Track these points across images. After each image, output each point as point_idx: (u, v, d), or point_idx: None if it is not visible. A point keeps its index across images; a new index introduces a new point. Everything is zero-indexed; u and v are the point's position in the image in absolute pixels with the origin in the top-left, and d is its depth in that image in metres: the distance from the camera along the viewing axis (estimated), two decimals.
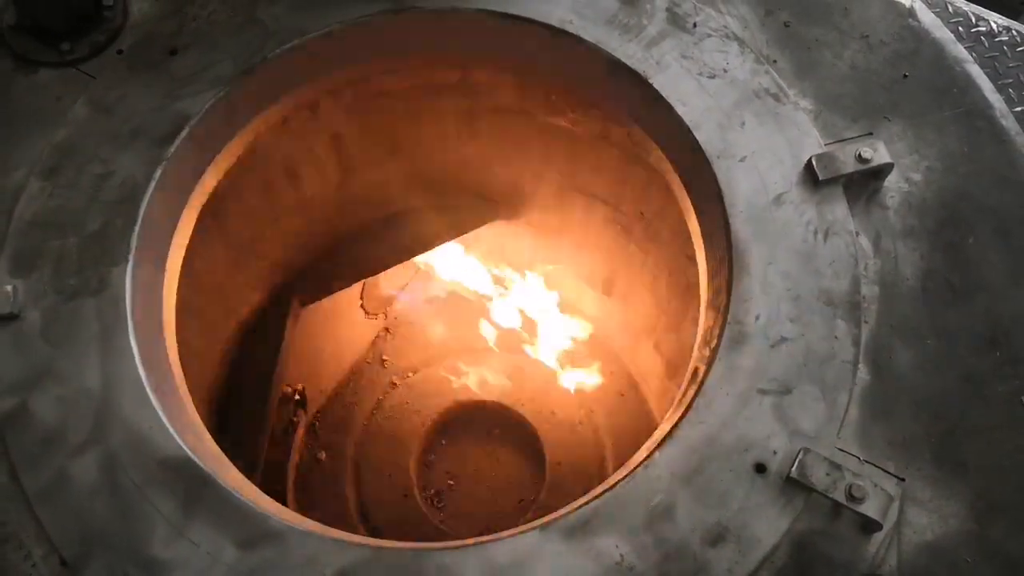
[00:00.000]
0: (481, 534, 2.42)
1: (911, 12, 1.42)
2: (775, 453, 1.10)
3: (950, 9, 1.72)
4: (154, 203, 1.29)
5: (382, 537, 2.36)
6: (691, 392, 1.17)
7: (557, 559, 1.05)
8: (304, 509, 2.41)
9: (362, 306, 2.46)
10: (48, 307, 1.20)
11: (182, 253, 1.37)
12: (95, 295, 1.21)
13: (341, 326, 2.44)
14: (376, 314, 2.54)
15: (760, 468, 1.10)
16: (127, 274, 1.22)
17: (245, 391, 2.08)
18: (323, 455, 2.48)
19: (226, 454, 1.95)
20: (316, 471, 2.48)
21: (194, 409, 1.25)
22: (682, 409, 1.16)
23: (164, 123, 1.33)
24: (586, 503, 1.10)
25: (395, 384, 2.57)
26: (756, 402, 1.13)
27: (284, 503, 2.34)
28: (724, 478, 1.09)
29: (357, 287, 2.36)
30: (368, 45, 1.49)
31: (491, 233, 2.30)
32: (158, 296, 1.29)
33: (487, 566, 1.04)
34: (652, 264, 2.03)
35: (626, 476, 1.11)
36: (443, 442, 2.56)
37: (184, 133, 1.32)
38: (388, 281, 2.45)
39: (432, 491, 2.49)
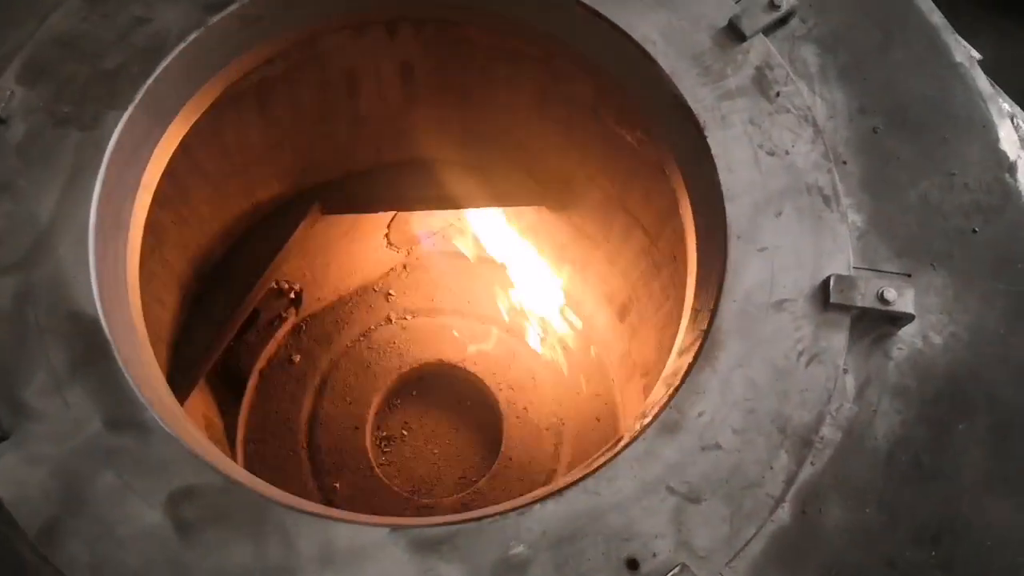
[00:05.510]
0: (412, 493, 2.38)
1: (1012, 167, 1.28)
2: (654, 555, 1.03)
3: None
4: (178, 63, 1.26)
5: (319, 458, 2.38)
6: (604, 459, 1.10)
7: (392, 567, 1.00)
8: (259, 397, 2.43)
9: (387, 236, 2.43)
10: (35, 124, 1.19)
11: (191, 121, 1.35)
12: (82, 130, 1.19)
13: (358, 247, 2.42)
14: (399, 248, 2.50)
15: (632, 564, 1.03)
16: (121, 121, 1.20)
17: (238, 269, 2.09)
18: (298, 358, 2.49)
19: (196, 320, 1.96)
20: (286, 370, 2.48)
21: (136, 277, 1.23)
22: (586, 471, 1.09)
23: None
24: (449, 523, 1.05)
25: (390, 320, 2.55)
26: (659, 497, 1.06)
27: (245, 383, 2.36)
28: (592, 558, 1.03)
29: (386, 216, 2.33)
30: None
31: (532, 216, 2.24)
32: (146, 154, 1.26)
33: (321, 543, 1.01)
34: (668, 310, 1.93)
35: (499, 513, 1.05)
36: (413, 392, 2.54)
37: (233, 7, 1.29)
38: (420, 222, 2.41)
39: (384, 433, 2.48)
